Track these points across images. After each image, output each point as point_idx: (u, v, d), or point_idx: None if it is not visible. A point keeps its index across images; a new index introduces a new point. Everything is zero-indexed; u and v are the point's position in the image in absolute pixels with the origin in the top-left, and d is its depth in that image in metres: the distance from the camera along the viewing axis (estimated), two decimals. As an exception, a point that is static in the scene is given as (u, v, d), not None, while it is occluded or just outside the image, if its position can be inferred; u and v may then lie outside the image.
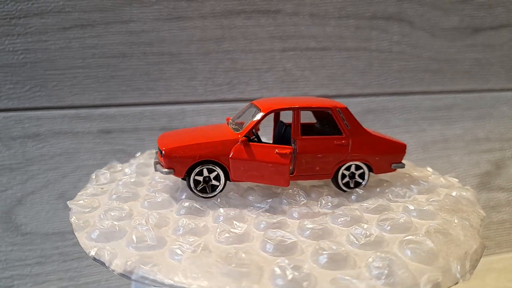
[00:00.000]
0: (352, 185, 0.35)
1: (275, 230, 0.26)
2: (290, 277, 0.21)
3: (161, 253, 0.25)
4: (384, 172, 0.35)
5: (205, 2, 0.50)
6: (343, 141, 0.33)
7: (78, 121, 0.50)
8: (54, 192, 0.51)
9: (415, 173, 0.39)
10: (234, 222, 0.28)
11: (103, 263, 0.25)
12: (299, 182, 0.36)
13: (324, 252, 0.23)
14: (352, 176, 0.34)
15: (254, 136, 0.35)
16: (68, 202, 0.33)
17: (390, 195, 0.33)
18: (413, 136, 0.61)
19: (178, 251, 0.25)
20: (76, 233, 0.29)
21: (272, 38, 0.53)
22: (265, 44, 0.53)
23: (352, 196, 0.34)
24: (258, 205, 0.31)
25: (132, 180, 0.37)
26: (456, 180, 0.38)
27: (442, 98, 0.62)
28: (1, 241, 0.50)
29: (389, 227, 0.27)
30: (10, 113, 0.48)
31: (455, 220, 0.28)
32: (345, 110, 0.34)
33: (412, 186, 0.35)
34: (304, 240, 0.26)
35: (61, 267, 0.52)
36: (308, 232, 0.27)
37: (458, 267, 0.23)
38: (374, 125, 0.60)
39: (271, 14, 0.52)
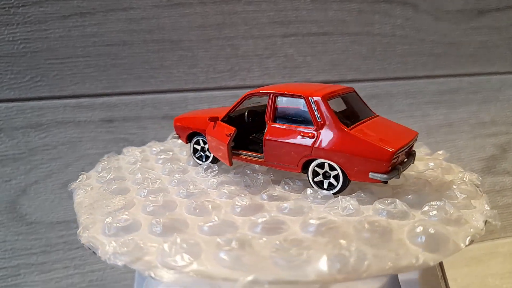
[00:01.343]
0: (325, 186, 0.30)
1: (178, 196, 0.30)
2: (109, 220, 0.26)
3: (95, 186, 0.33)
4: (360, 180, 0.29)
5: (205, -12, 0.49)
6: (310, 134, 0.30)
7: (80, 110, 0.50)
8: (58, 182, 0.51)
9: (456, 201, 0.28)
10: (158, 181, 0.32)
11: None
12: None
13: (156, 221, 0.25)
14: (329, 176, 0.30)
15: (248, 119, 0.35)
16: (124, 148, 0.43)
17: (329, 203, 0.28)
18: (418, 121, 0.61)
19: (97, 187, 0.33)
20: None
21: (273, 23, 0.53)
22: (266, 29, 0.53)
23: (309, 197, 0.29)
24: (218, 178, 0.33)
25: (179, 141, 0.42)
26: (484, 221, 0.26)
27: (447, 82, 0.61)
28: (6, 231, 0.50)
29: (259, 227, 0.25)
30: (12, 104, 0.48)
31: (338, 250, 0.22)
32: (319, 100, 0.30)
33: (380, 205, 0.27)
34: (181, 213, 0.28)
35: (66, 256, 0.52)
36: (192, 208, 0.27)
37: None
38: (377, 111, 0.58)
39: (272, -1, 0.52)
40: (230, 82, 0.53)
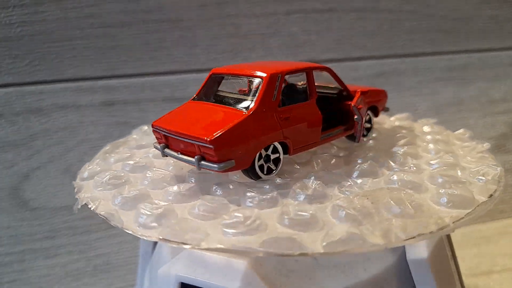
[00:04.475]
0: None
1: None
2: None
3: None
4: None
5: (204, -36, 0.48)
6: None
7: (80, 94, 0.49)
8: (60, 167, 0.50)
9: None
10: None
11: None
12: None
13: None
14: None
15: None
16: None
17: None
18: (426, 99, 0.59)
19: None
20: None
21: (275, 0, 0.51)
22: (268, 7, 0.51)
23: None
24: None
25: None
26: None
27: (456, 59, 0.59)
28: (10, 217, 0.50)
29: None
30: (11, 89, 0.47)
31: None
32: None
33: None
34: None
35: (70, 241, 0.52)
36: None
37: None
38: (385, 89, 0.58)
39: (274, -25, 0.50)
40: (232, 63, 0.52)
